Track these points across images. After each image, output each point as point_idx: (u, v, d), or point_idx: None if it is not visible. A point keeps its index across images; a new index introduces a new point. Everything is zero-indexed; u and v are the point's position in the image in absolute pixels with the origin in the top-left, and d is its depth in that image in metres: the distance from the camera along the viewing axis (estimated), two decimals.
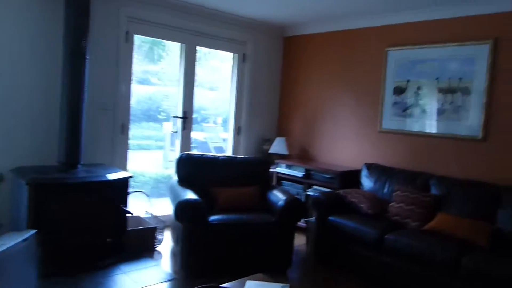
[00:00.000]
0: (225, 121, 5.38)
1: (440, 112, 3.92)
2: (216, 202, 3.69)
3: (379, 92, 4.39)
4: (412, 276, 3.10)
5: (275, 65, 5.45)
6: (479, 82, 3.64)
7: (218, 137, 6.34)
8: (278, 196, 3.66)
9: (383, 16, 4.29)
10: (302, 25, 5.10)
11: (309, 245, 4.05)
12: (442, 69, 3.88)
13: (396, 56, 4.24)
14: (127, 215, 3.54)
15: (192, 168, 3.95)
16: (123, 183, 3.49)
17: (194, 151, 4.98)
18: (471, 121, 3.70)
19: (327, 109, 4.94)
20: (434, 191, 3.62)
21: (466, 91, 3.73)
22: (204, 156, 4.09)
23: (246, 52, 5.12)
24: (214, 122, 6.33)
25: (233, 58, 5.13)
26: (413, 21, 4.10)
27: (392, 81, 4.28)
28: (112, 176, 3.41)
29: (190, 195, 3.40)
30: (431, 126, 3.99)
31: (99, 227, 3.36)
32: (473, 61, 3.68)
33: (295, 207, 3.51)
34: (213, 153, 5.35)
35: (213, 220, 3.34)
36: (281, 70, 5.50)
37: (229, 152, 5.27)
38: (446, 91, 3.87)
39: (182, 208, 3.24)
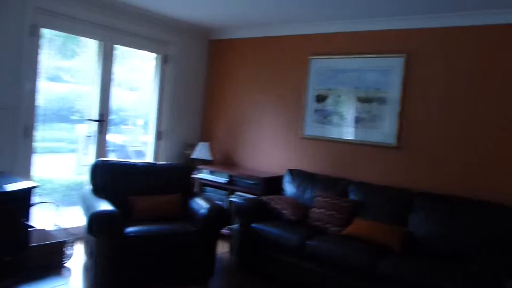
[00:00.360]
0: (146, 124, 5.11)
1: (358, 120, 4.07)
2: (134, 212, 3.46)
3: (302, 99, 4.46)
4: (332, 282, 3.15)
5: (199, 68, 5.30)
6: (394, 92, 3.84)
7: (138, 141, 6.01)
8: (201, 204, 3.53)
9: (307, 25, 4.36)
10: (229, 29, 5.02)
11: (232, 253, 3.96)
12: (361, 79, 4.04)
13: (318, 64, 4.33)
14: (30, 229, 3.16)
15: (108, 176, 3.66)
16: (25, 193, 3.11)
17: (111, 156, 4.66)
18: (386, 130, 3.89)
19: (252, 115, 4.91)
20: (352, 196, 3.74)
21: (382, 101, 3.92)
22: (121, 162, 3.82)
23: (168, 53, 4.91)
24: (134, 125, 5.99)
25: (156, 58, 4.89)
26: (335, 31, 4.22)
27: (315, 89, 4.37)
28: (11, 187, 3.02)
29: (105, 205, 3.14)
30: (350, 133, 4.12)
31: None
32: (389, 73, 3.87)
33: (218, 215, 3.41)
34: (132, 158, 5.06)
35: (129, 232, 3.12)
36: (206, 73, 5.37)
37: (149, 157, 5.01)
38: (364, 100, 4.03)
39: (95, 220, 2.97)
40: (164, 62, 4.91)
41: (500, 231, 3.02)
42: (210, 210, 3.39)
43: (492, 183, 3.36)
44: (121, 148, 5.83)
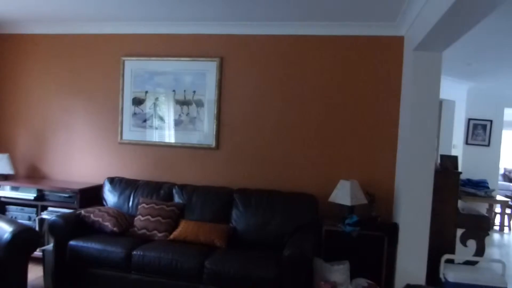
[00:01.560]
0: None
1: (178, 123, 4.11)
2: None
3: (118, 102, 4.24)
4: None
5: None
6: (210, 95, 4.01)
7: None
8: (2, 228, 3.01)
9: (118, 24, 4.16)
10: (24, 22, 4.38)
11: (46, 278, 3.51)
12: (178, 82, 4.08)
13: (132, 66, 4.19)
14: None
15: None
16: None
17: None
18: (205, 131, 4.04)
19: (59, 120, 4.42)
20: (177, 199, 3.77)
21: (199, 103, 4.04)
22: None
23: None
24: None
25: None
26: (148, 33, 4.14)
27: (131, 91, 4.21)
28: None
29: None
30: (170, 136, 4.13)
31: None
32: (204, 76, 4.02)
33: (25, 238, 2.95)
34: None
35: None
36: None
37: None
38: (182, 102, 4.09)
39: None
40: None
41: (308, 217, 3.49)
42: (15, 234, 2.90)
43: (293, 177, 3.87)
44: None
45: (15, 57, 4.53)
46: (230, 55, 3.98)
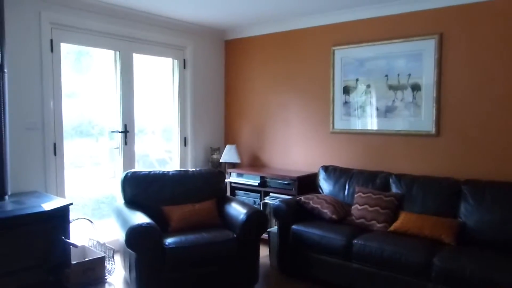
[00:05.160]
0: (165, 131, 5.02)
1: (392, 109, 3.90)
2: (170, 223, 3.37)
3: (328, 92, 4.31)
4: (383, 281, 2.99)
5: (217, 70, 5.20)
6: (428, 77, 3.66)
7: (159, 149, 5.93)
8: (238, 210, 3.42)
9: (326, 14, 4.21)
10: (244, 27, 4.90)
11: (272, 258, 3.84)
12: (391, 66, 3.87)
13: (343, 54, 4.18)
14: (71, 247, 3.08)
15: (139, 187, 3.58)
16: (63, 211, 3.03)
17: (137, 167, 4.58)
18: (423, 117, 3.72)
19: (276, 113, 4.78)
20: (395, 189, 3.58)
21: (416, 87, 3.74)
22: (151, 172, 3.73)
23: (186, 57, 4.81)
24: (153, 133, 5.91)
25: (173, 64, 4.79)
26: (357, 19, 4.06)
27: (341, 80, 4.22)
28: (48, 206, 2.94)
29: (141, 218, 3.06)
30: (383, 123, 3.96)
31: (38, 264, 2.88)
32: (420, 56, 3.69)
33: (258, 220, 3.29)
34: (156, 167, 4.96)
35: (169, 244, 3.03)
36: (224, 75, 5.26)
37: (175, 165, 4.92)
38: (396, 88, 3.86)
39: (134, 234, 2.88)
40: (183, 67, 4.82)
41: None
42: (249, 215, 3.27)
43: None
44: (143, 158, 5.75)
45: (239, 60, 5.10)
46: (450, 31, 3.54)
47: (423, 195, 3.40)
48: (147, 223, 2.96)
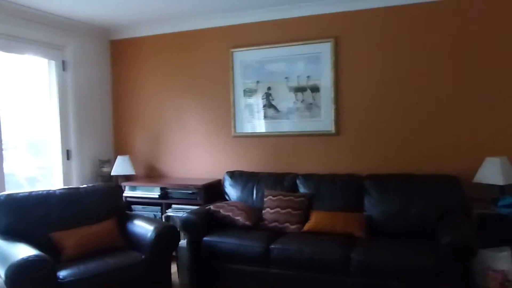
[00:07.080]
0: (32, 145, 4.29)
1: (293, 111, 3.95)
2: (63, 251, 2.88)
3: (229, 95, 4.19)
4: (303, 284, 2.96)
5: (103, 73, 4.68)
6: (326, 79, 3.79)
7: (28, 166, 5.07)
8: (144, 227, 3.07)
9: (224, 16, 4.09)
10: (133, 26, 4.49)
11: (181, 275, 3.54)
12: (290, 69, 3.92)
13: (242, 57, 4.10)
14: None
15: (18, 213, 2.98)
16: None
17: (7, 189, 3.83)
18: (323, 117, 3.83)
19: (173, 119, 4.48)
20: (303, 190, 3.61)
21: (315, 89, 3.85)
22: (33, 193, 3.13)
23: (66, 58, 4.21)
24: (15, 148, 5.02)
25: (49, 65, 4.15)
26: (256, 21, 4.02)
27: (241, 83, 4.13)
28: None
29: (25, 250, 2.53)
30: (286, 125, 3.98)
31: None
32: (318, 59, 3.81)
33: (168, 236, 3.00)
34: (25, 188, 4.22)
35: (65, 277, 2.57)
36: (112, 79, 4.76)
37: (56, 183, 4.27)
38: (296, 89, 3.92)
39: (19, 272, 2.35)
40: (62, 69, 4.21)
41: (453, 200, 3.14)
42: (158, 231, 2.95)
43: (428, 158, 3.53)
44: (7, 178, 4.83)
45: (129, 61, 4.66)
46: (345, 35, 3.73)
47: (331, 192, 3.49)
48: (35, 255, 2.45)
